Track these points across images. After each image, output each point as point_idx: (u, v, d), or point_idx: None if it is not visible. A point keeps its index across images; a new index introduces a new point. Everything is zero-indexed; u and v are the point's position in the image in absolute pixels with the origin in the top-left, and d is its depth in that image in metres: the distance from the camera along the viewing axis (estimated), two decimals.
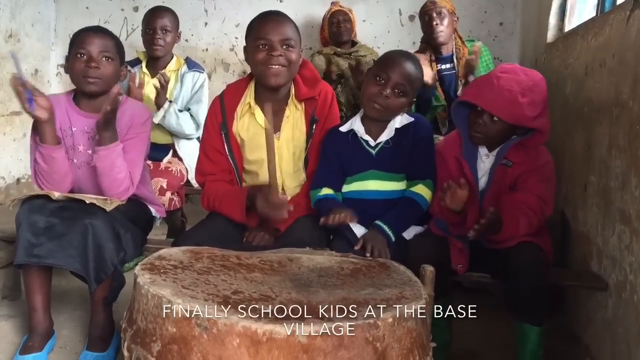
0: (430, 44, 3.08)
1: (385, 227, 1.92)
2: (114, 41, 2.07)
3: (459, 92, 3.02)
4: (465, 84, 2.97)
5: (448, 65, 3.09)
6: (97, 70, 1.99)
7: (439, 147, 2.12)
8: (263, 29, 1.96)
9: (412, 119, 2.05)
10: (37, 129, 1.95)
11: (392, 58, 2.01)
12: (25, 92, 1.86)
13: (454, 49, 3.08)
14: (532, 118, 1.86)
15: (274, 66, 1.94)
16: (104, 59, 2.02)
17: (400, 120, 2.04)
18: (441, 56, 3.08)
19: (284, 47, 1.95)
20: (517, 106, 1.84)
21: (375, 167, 2.03)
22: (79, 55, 2.01)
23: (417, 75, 2.00)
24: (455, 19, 3.10)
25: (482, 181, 2.00)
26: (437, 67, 3.06)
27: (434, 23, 2.99)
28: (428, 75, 2.84)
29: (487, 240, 1.91)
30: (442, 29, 2.99)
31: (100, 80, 2.01)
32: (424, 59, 2.88)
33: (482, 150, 2.00)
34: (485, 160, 2.00)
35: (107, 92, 2.04)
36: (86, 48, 2.00)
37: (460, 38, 3.12)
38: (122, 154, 2.01)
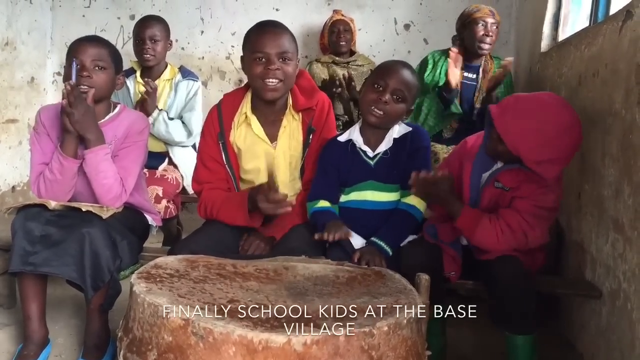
0: (469, 50, 2.99)
1: (382, 244, 1.92)
2: (108, 50, 2.07)
3: (476, 105, 3.00)
4: (487, 98, 2.91)
5: (472, 76, 3.04)
6: (89, 79, 1.99)
7: (468, 143, 2.08)
8: (260, 41, 1.96)
9: (410, 129, 2.06)
10: (64, 140, 1.96)
11: (389, 66, 2.03)
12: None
13: (482, 62, 3.04)
14: (535, 161, 1.77)
15: (270, 80, 1.95)
16: (96, 68, 2.01)
17: (399, 130, 2.04)
18: (470, 64, 3.03)
19: (281, 60, 1.95)
20: (523, 140, 1.75)
21: (373, 178, 2.04)
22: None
23: (414, 83, 2.02)
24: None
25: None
26: (462, 74, 3.00)
27: (489, 33, 2.92)
28: (454, 77, 2.80)
29: (474, 249, 1.92)
30: (490, 41, 2.94)
31: (93, 90, 1.99)
32: (455, 60, 2.81)
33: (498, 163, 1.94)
34: None
35: (102, 101, 2.05)
36: (78, 57, 2.00)
37: (489, 53, 3.07)
38: (109, 158, 2.00)
